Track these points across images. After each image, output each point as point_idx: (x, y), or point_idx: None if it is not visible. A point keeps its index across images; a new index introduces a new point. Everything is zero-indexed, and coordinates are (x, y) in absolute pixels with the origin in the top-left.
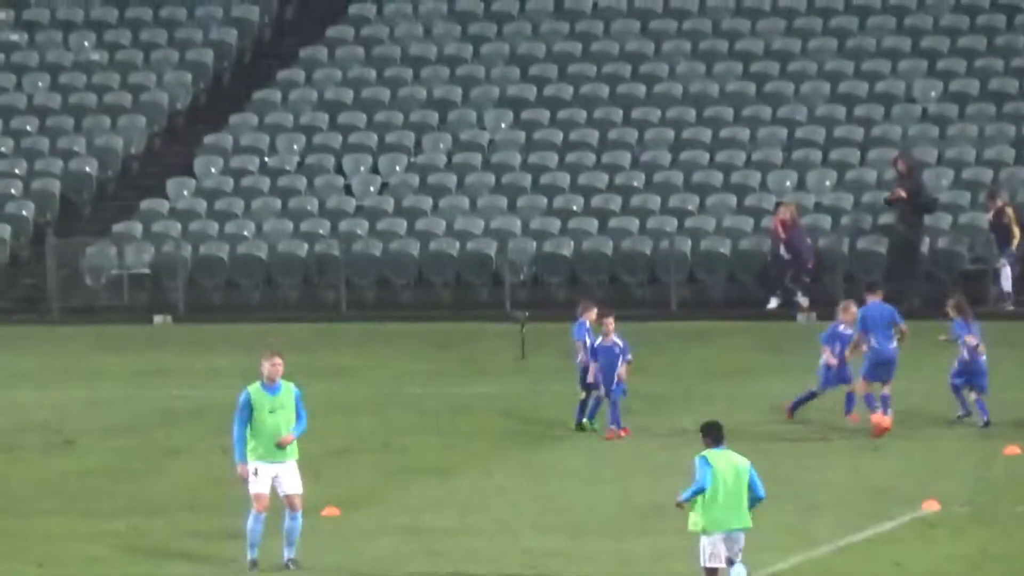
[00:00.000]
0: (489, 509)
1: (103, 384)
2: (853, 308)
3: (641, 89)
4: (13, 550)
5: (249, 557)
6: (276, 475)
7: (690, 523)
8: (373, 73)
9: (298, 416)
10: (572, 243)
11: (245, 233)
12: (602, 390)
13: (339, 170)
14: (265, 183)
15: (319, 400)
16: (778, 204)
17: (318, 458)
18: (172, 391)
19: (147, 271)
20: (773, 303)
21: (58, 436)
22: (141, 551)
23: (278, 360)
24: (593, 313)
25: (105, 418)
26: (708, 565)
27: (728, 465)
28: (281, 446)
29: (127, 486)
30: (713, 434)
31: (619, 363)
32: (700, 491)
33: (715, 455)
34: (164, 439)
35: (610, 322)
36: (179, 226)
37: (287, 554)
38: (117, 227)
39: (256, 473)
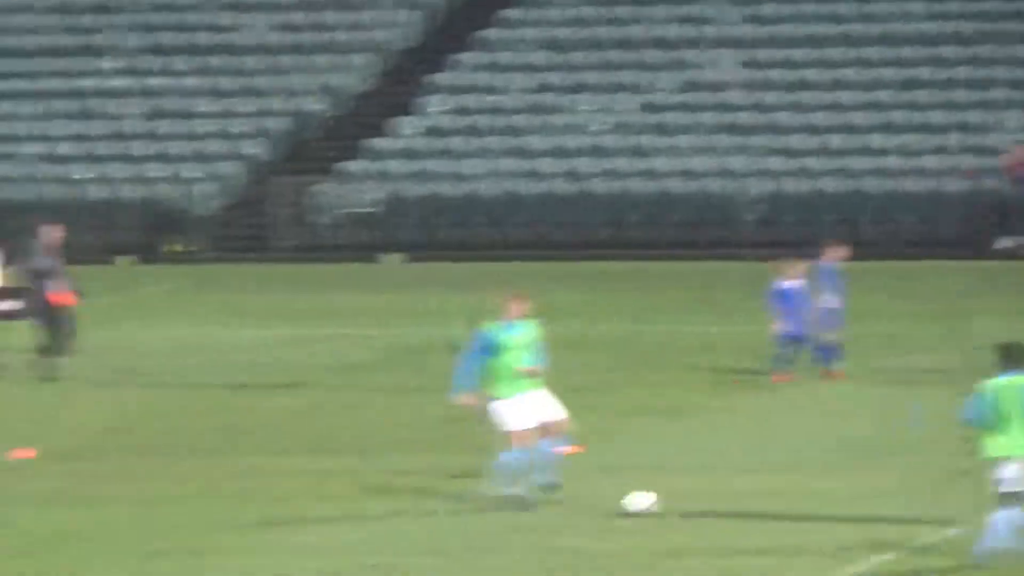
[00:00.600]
0: (720, 448)
1: (328, 323)
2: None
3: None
4: (242, 489)
5: (513, 492)
6: (535, 405)
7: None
8: (599, 11)
9: (538, 352)
10: (805, 183)
11: (472, 171)
12: (793, 331)
13: (569, 109)
14: (492, 121)
15: (552, 339)
16: None
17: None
18: (397, 330)
19: (371, 210)
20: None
21: (283, 375)
22: (367, 489)
23: (521, 301)
24: (840, 253)
25: (330, 357)
26: (1004, 490)
27: (1013, 388)
28: (528, 376)
29: (352, 424)
30: (1003, 356)
31: (805, 306)
32: (969, 422)
33: (996, 383)
34: (389, 377)
35: (802, 265)
36: (404, 165)
37: (542, 479)
38: (342, 166)
39: (512, 410)
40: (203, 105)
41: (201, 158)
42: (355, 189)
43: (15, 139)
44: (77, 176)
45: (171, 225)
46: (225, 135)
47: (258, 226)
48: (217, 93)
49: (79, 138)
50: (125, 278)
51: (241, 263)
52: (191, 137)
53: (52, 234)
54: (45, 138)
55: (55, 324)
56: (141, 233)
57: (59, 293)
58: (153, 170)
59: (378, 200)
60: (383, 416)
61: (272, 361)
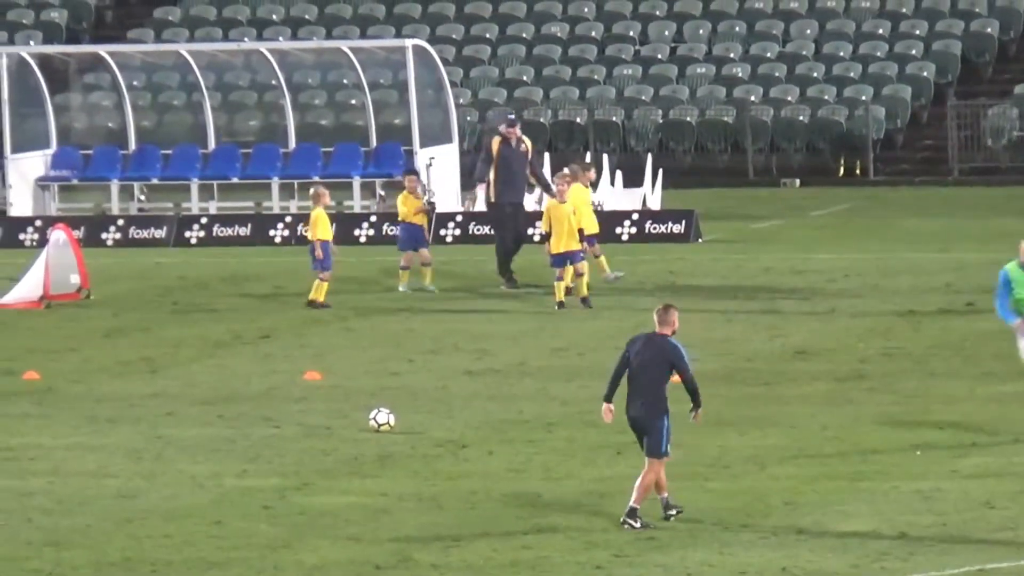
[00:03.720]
0: None
1: (1002, 246)
2: None
3: None
4: (912, 411)
5: None
6: None
7: None
8: None
9: None
10: None
11: None
12: None
13: None
14: None
15: None
16: None
17: None
18: None
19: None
20: None
21: (959, 298)
22: None
23: None
24: None
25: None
26: None
27: None
28: None
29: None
30: None
31: None
32: None
33: None
34: None
35: None
36: None
37: None
38: (1019, 88)
39: None
40: (873, 27)
41: (870, 79)
42: None
43: (688, 60)
44: (749, 97)
45: (840, 148)
46: (895, 57)
47: (932, 148)
48: (886, 15)
49: (748, 59)
50: (791, 200)
51: (912, 186)
52: (860, 59)
53: None
54: (716, 59)
55: None
56: (808, 155)
57: None
58: (822, 91)
59: None
60: None
61: (943, 284)
